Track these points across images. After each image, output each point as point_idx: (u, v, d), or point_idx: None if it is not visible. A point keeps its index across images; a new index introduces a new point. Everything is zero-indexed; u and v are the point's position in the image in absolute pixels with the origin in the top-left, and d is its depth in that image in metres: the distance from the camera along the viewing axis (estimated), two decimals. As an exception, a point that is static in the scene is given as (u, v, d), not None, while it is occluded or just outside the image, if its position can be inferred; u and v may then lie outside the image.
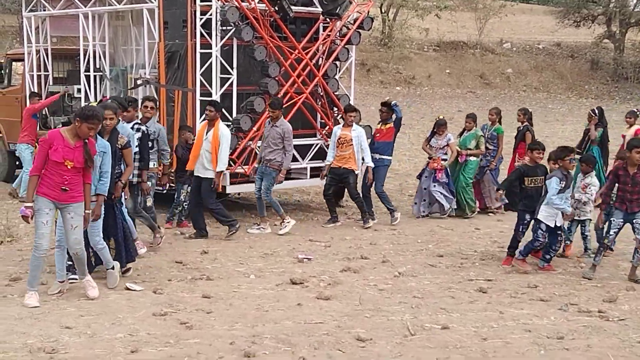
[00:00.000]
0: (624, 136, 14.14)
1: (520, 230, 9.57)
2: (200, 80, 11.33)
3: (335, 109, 12.68)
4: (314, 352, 6.38)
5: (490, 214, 12.92)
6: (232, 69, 11.42)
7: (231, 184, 11.60)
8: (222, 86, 11.41)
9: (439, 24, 38.49)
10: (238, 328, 6.93)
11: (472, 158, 12.53)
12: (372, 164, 11.65)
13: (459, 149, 12.49)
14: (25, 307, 7.30)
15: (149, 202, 9.99)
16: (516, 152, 13.07)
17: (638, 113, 14.21)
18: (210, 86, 11.33)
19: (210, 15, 11.17)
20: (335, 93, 12.69)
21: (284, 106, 11.64)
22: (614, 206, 9.18)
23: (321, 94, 12.55)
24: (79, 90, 13.22)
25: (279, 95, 11.66)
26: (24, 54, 14.25)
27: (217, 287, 8.22)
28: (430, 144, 12.46)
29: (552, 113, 30.68)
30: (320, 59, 12.43)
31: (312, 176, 12.53)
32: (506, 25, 42.49)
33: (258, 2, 11.37)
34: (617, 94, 37.44)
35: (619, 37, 39.47)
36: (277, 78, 11.61)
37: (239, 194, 13.36)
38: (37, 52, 13.96)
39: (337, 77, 12.82)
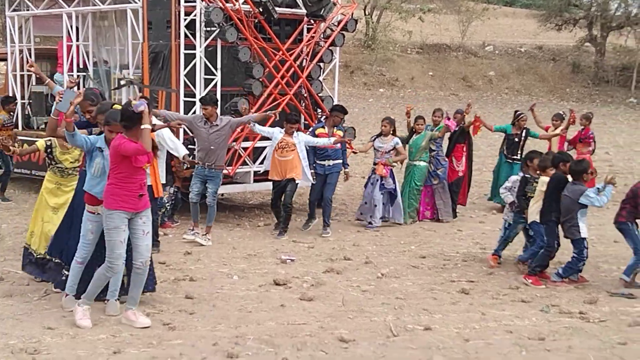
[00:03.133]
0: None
1: (555, 245, 9.06)
2: (184, 81, 11.32)
3: (319, 110, 12.70)
4: (297, 353, 6.40)
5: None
6: (216, 69, 11.41)
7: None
8: (206, 87, 11.40)
9: (422, 26, 38.58)
10: (221, 329, 6.93)
11: (422, 163, 12.14)
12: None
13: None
14: (79, 327, 6.78)
15: None
16: (452, 157, 12.80)
17: (564, 115, 14.24)
18: (194, 87, 11.33)
19: (195, 16, 11.16)
20: (319, 94, 12.71)
21: (269, 106, 11.63)
22: None
23: (305, 95, 12.57)
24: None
25: (264, 96, 11.68)
26: (6, 53, 14.18)
27: (200, 288, 8.21)
28: (375, 147, 11.91)
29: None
30: (304, 60, 12.45)
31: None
32: (489, 28, 42.66)
33: (242, 4, 11.37)
34: (598, 97, 37.69)
35: (600, 40, 39.74)
36: (261, 79, 11.62)
37: (221, 194, 13.34)
38: (20, 51, 13.89)
39: (321, 78, 12.84)
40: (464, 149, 12.96)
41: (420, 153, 12.11)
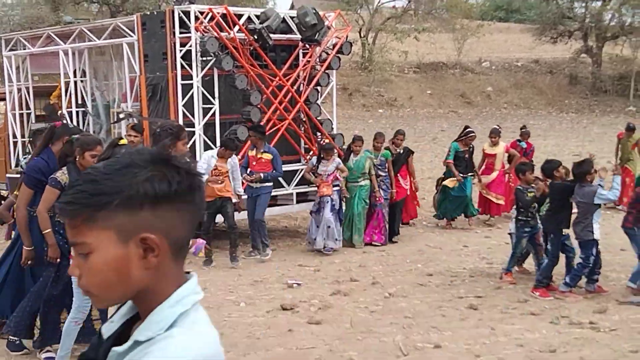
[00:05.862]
0: (488, 154, 13.84)
1: (559, 255, 9.02)
2: (183, 111, 11.36)
3: (319, 133, 12.74)
4: (307, 377, 6.37)
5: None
6: (214, 98, 11.46)
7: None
8: (204, 116, 11.45)
9: (417, 46, 38.81)
10: (230, 357, 6.89)
11: (366, 182, 11.88)
12: (242, 193, 10.95)
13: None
14: None
15: None
16: (398, 176, 12.47)
17: (500, 130, 14.12)
18: (193, 117, 11.37)
19: (190, 46, 11.23)
20: (318, 118, 12.75)
21: (267, 133, 11.63)
22: None
23: (304, 119, 12.61)
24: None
25: (262, 123, 11.70)
26: (5, 93, 14.26)
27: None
28: (319, 172, 11.59)
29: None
30: (302, 85, 12.51)
31: (298, 202, 12.56)
32: (484, 44, 42.85)
33: (237, 32, 11.45)
34: (597, 107, 37.75)
35: (595, 51, 39.90)
36: (259, 106, 11.66)
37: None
38: (19, 90, 13.97)
39: (319, 102, 12.89)
40: (407, 168, 12.78)
41: (363, 175, 11.88)
